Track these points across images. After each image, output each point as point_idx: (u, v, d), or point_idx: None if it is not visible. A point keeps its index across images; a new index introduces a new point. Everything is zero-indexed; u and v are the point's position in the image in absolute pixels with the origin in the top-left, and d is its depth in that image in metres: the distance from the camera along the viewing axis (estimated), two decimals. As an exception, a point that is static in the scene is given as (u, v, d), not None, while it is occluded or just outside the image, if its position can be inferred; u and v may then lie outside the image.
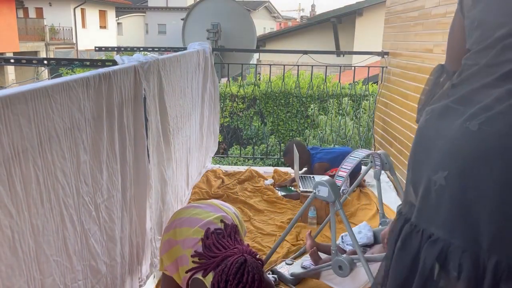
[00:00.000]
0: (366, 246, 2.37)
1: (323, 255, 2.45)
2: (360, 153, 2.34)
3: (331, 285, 2.33)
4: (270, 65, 5.77)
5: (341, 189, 2.82)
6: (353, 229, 2.40)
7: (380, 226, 2.49)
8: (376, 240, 2.46)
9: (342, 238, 2.46)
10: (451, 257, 1.10)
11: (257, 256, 1.87)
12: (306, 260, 2.56)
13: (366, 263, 2.04)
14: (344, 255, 2.13)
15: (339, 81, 5.93)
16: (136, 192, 2.19)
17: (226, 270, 1.72)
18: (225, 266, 1.74)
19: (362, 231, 2.39)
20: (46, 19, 23.05)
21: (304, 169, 4.10)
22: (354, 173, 3.06)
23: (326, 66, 5.06)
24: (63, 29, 23.69)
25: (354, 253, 2.26)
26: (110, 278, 1.88)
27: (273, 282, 2.39)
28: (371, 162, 2.59)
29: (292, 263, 2.61)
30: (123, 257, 2.03)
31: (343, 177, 2.19)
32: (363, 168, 3.55)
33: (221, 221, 2.07)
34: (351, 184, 3.13)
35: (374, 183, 4.01)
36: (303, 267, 2.48)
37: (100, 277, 1.78)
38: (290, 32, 15.89)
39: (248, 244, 1.99)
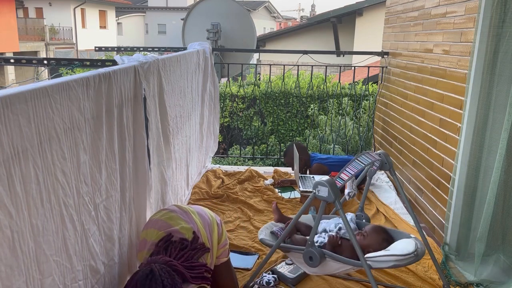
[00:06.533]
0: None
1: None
2: (366, 159, 2.32)
3: (296, 263, 2.38)
4: (270, 65, 5.78)
5: (347, 191, 2.82)
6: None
7: (356, 220, 2.52)
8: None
9: (340, 229, 2.45)
10: None
11: (180, 261, 1.80)
12: (276, 225, 2.57)
13: (369, 269, 2.04)
14: (317, 248, 2.14)
15: (339, 81, 5.93)
16: (135, 192, 2.19)
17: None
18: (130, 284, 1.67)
19: (351, 224, 2.42)
20: (46, 19, 23.05)
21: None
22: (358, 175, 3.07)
23: (326, 66, 5.06)
24: (63, 29, 23.69)
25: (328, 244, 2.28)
26: (108, 278, 1.88)
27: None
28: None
29: (292, 263, 2.61)
30: (121, 257, 2.03)
31: (343, 180, 2.18)
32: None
33: (194, 232, 2.02)
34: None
35: (375, 182, 4.03)
36: (272, 233, 2.48)
37: (99, 277, 1.78)
38: (290, 32, 15.88)
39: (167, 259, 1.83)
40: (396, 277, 2.57)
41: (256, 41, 5.53)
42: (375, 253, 2.11)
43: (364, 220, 2.54)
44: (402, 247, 2.10)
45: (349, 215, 2.47)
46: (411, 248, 2.05)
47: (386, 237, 2.27)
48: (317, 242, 2.28)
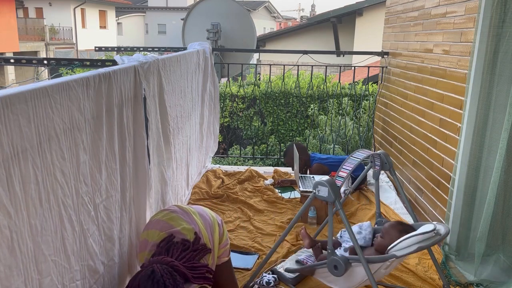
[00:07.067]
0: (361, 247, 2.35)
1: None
2: (361, 154, 2.33)
3: (325, 283, 2.33)
4: (270, 65, 5.78)
5: (343, 189, 2.81)
6: (353, 227, 2.38)
7: (376, 226, 2.48)
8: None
9: (341, 233, 2.45)
10: None
11: (181, 261, 1.81)
12: (301, 254, 2.55)
13: (366, 263, 2.04)
14: (340, 255, 2.13)
15: (339, 81, 5.93)
16: (135, 192, 2.19)
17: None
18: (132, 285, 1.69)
19: (363, 232, 2.38)
20: (46, 19, 23.04)
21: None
22: (356, 176, 3.04)
23: (326, 66, 5.06)
24: (63, 29, 23.68)
25: (353, 250, 2.25)
26: (107, 278, 1.88)
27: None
28: (371, 162, 2.58)
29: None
30: (121, 257, 2.03)
31: (343, 177, 2.18)
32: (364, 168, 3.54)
33: (195, 233, 2.01)
34: (352, 184, 3.12)
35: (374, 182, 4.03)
36: (297, 262, 2.47)
37: (98, 277, 1.77)
38: (290, 32, 15.88)
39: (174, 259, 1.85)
40: (396, 277, 2.57)
41: (256, 41, 5.52)
42: (395, 242, 2.08)
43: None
44: (420, 229, 2.08)
45: (366, 224, 2.44)
46: (429, 227, 2.03)
47: (404, 228, 2.23)
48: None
